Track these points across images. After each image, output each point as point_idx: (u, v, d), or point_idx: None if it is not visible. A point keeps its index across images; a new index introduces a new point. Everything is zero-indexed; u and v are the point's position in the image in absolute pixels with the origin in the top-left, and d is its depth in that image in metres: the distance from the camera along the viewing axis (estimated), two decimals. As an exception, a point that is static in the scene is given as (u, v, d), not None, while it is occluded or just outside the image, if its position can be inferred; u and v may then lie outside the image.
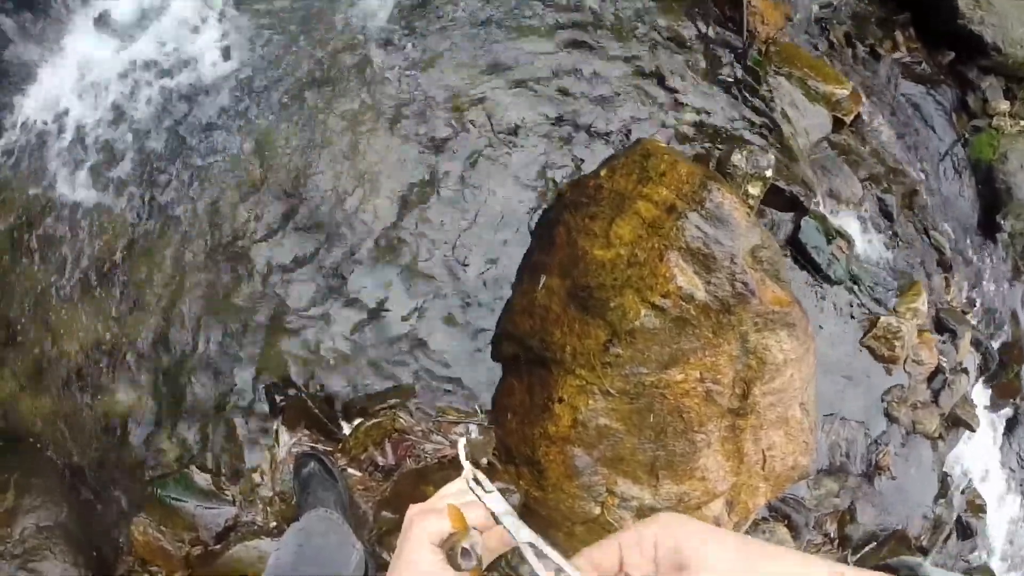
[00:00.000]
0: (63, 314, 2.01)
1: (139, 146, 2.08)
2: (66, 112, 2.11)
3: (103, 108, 2.12)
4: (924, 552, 2.93)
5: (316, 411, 1.88)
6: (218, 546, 1.87)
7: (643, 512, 1.83)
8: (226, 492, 1.95)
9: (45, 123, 2.11)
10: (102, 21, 2.16)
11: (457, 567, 0.60)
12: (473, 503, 0.65)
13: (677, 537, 0.42)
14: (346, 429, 1.88)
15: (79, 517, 1.89)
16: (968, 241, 3.27)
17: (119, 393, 1.99)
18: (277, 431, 1.95)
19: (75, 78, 2.13)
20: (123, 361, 1.99)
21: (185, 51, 2.15)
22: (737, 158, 1.97)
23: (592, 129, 2.09)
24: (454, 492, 0.69)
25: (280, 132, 2.07)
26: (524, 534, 0.59)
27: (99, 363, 1.99)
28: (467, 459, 0.68)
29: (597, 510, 1.78)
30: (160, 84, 2.12)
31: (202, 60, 2.14)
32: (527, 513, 1.81)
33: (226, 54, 2.14)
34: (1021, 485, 3.68)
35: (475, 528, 0.63)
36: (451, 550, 0.60)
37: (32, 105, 2.12)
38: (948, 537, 3.06)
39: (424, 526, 0.65)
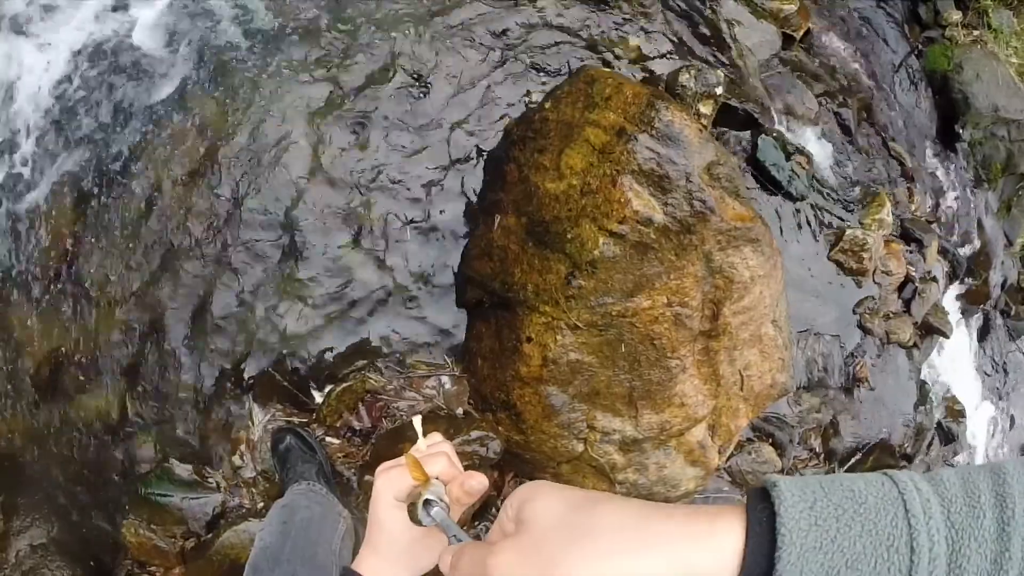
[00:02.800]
0: (20, 326, 1.93)
1: (75, 137, 1.98)
2: None
3: (32, 104, 2.00)
4: (908, 459, 3.01)
5: (286, 384, 1.83)
6: (210, 535, 1.85)
7: (626, 444, 1.83)
8: (209, 480, 1.92)
9: None
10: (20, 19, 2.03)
11: (417, 522, 0.57)
12: (436, 455, 0.61)
13: (522, 496, 0.44)
14: (318, 398, 1.83)
15: (71, 530, 1.85)
16: (928, 151, 3.28)
17: (88, 398, 1.93)
18: (250, 410, 1.91)
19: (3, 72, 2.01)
20: (86, 365, 1.93)
21: (111, 32, 2.02)
22: (685, 77, 1.92)
23: (534, 63, 2.02)
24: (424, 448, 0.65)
25: (221, 103, 1.97)
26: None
27: (64, 370, 1.93)
28: (423, 435, 0.65)
29: (580, 447, 1.77)
30: (90, 70, 2.01)
31: (131, 40, 2.02)
32: (510, 459, 1.79)
33: (152, 33, 2.03)
34: (996, 388, 3.79)
35: (437, 479, 0.59)
36: (412, 504, 0.57)
37: None
38: (931, 443, 3.14)
39: (385, 482, 0.61)
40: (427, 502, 0.57)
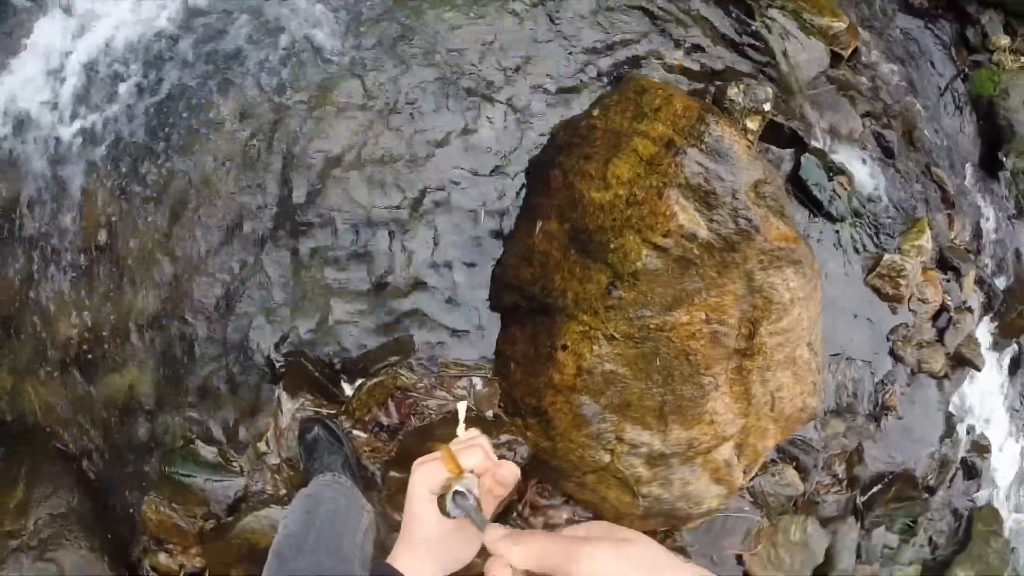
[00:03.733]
0: (56, 299, 1.96)
1: (118, 120, 2.01)
2: (39, 98, 2.03)
3: (76, 91, 2.04)
4: (931, 491, 2.95)
5: (317, 374, 1.84)
6: (230, 518, 1.86)
7: (653, 458, 1.81)
8: (233, 464, 1.93)
9: (20, 110, 2.04)
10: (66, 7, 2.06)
11: (445, 514, 0.56)
12: (472, 447, 0.61)
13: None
14: (348, 390, 1.84)
15: (91, 502, 1.88)
16: (970, 178, 3.21)
17: (118, 374, 1.96)
18: (279, 398, 1.92)
19: (45, 63, 2.05)
20: (119, 341, 1.96)
21: (154, 25, 2.05)
22: (734, 92, 1.90)
23: (583, 69, 2.01)
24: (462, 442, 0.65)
25: (264, 94, 1.99)
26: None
27: (96, 345, 1.95)
28: (464, 423, 0.65)
29: (607, 458, 1.75)
30: (133, 58, 2.04)
31: (172, 31, 2.05)
32: (536, 464, 1.79)
33: (192, 24, 2.05)
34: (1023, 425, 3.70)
35: (471, 472, 0.59)
36: (441, 496, 0.57)
37: (4, 93, 2.04)
38: (954, 477, 3.07)
39: (421, 476, 0.62)
40: (456, 493, 0.57)
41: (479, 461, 0.60)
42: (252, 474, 1.92)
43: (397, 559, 0.64)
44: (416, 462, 0.64)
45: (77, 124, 2.03)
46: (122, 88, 2.02)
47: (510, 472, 0.58)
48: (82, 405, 1.95)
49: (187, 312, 1.95)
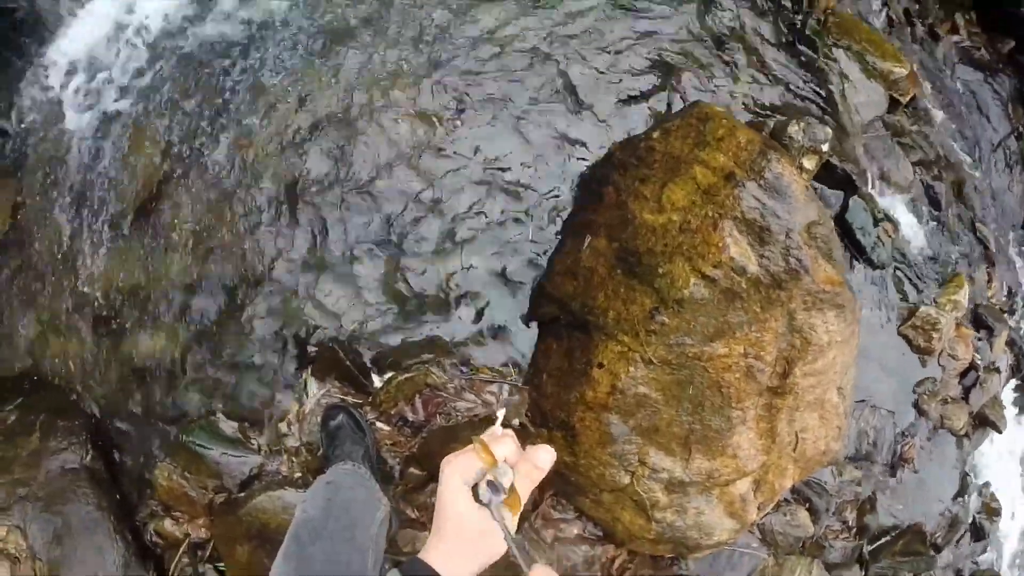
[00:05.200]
0: (92, 257, 1.98)
1: (164, 90, 2.03)
2: (91, 63, 2.06)
3: (126, 57, 2.06)
4: (937, 549, 2.91)
5: (347, 363, 1.85)
6: (242, 494, 1.86)
7: (672, 485, 1.80)
8: (252, 441, 1.93)
9: (71, 74, 2.07)
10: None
11: (479, 501, 0.57)
12: (504, 438, 0.62)
13: None
14: (377, 382, 1.85)
15: (103, 460, 1.89)
16: (1012, 237, 3.17)
17: (147, 337, 1.96)
18: (306, 382, 1.93)
19: (99, 29, 2.07)
20: (152, 306, 1.97)
21: None
22: (794, 129, 1.89)
23: (643, 91, 2.01)
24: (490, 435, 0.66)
25: (318, 72, 2.00)
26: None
27: (128, 307, 1.96)
28: (500, 422, 0.66)
29: (627, 479, 1.75)
30: (183, 28, 2.06)
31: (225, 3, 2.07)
32: (555, 478, 1.79)
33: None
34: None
35: (504, 462, 0.59)
36: (475, 486, 0.57)
37: (58, 58, 2.07)
38: (962, 537, 3.03)
39: (455, 466, 0.63)
40: (490, 484, 0.57)
41: (511, 452, 0.61)
42: (269, 454, 1.92)
43: (430, 551, 0.64)
44: (448, 457, 0.64)
45: (127, 89, 2.05)
46: (173, 54, 2.03)
47: (547, 454, 0.59)
48: (107, 363, 1.96)
49: (226, 283, 1.95)
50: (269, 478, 1.92)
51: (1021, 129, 3.26)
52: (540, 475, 0.60)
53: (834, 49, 2.36)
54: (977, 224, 2.85)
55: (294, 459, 1.95)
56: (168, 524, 1.92)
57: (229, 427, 1.95)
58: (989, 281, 2.91)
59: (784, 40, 2.29)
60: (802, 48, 2.29)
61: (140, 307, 1.96)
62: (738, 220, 1.57)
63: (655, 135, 1.74)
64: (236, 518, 1.87)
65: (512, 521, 0.56)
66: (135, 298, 1.97)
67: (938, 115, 2.85)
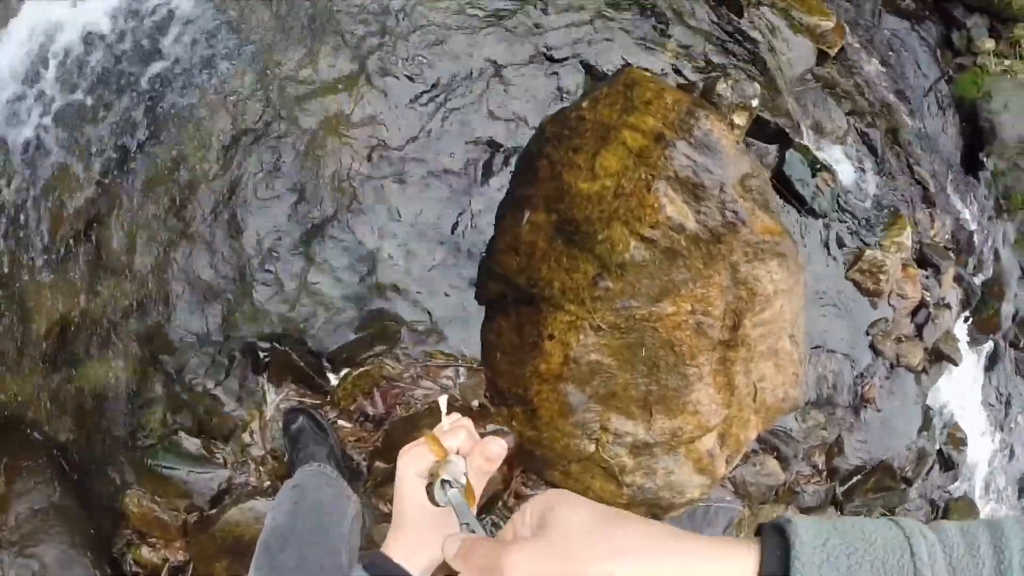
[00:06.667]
0: (33, 289, 1.92)
1: (91, 110, 1.97)
2: (21, 79, 1.98)
3: (57, 71, 1.99)
4: (908, 483, 3.01)
5: (301, 364, 1.83)
6: (214, 511, 1.85)
7: (637, 448, 1.83)
8: (217, 455, 1.91)
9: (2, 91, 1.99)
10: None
11: (435, 503, 0.57)
12: (455, 429, 0.62)
13: (547, 503, 0.45)
14: (333, 381, 1.84)
15: (73, 495, 1.85)
16: (951, 177, 3.28)
17: (98, 365, 1.92)
18: (263, 388, 1.91)
19: (28, 42, 1.99)
20: (99, 332, 1.92)
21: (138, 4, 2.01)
22: (722, 87, 1.92)
23: (569, 62, 2.01)
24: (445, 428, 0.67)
25: (243, 80, 1.96)
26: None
27: (75, 336, 1.92)
28: (447, 414, 0.66)
29: (592, 447, 1.77)
30: (116, 40, 2.00)
31: (158, 13, 2.01)
32: (522, 454, 1.80)
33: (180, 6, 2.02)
34: (998, 419, 3.79)
35: (457, 453, 0.60)
36: (429, 484, 0.58)
37: None
38: (931, 469, 3.14)
39: (408, 460, 0.63)
40: (444, 483, 0.58)
41: (463, 442, 0.61)
42: (236, 466, 1.91)
43: (391, 544, 0.65)
44: (402, 450, 0.65)
45: (59, 104, 1.98)
46: (111, 67, 1.98)
47: (498, 446, 0.60)
48: (62, 397, 1.92)
49: (168, 302, 1.92)
50: (239, 491, 1.90)
51: (950, 73, 3.36)
52: (492, 467, 0.61)
53: (759, 7, 2.39)
54: (915, 167, 2.94)
55: (261, 468, 1.93)
56: (145, 551, 1.89)
57: (192, 444, 1.92)
58: (931, 221, 3.00)
59: (710, 1, 2.32)
60: (727, 9, 2.32)
61: (87, 336, 1.92)
62: (671, 179, 1.59)
63: (584, 105, 1.74)
64: (210, 535, 1.85)
65: (470, 511, 0.56)
66: (81, 328, 1.92)
67: (868, 65, 2.92)
